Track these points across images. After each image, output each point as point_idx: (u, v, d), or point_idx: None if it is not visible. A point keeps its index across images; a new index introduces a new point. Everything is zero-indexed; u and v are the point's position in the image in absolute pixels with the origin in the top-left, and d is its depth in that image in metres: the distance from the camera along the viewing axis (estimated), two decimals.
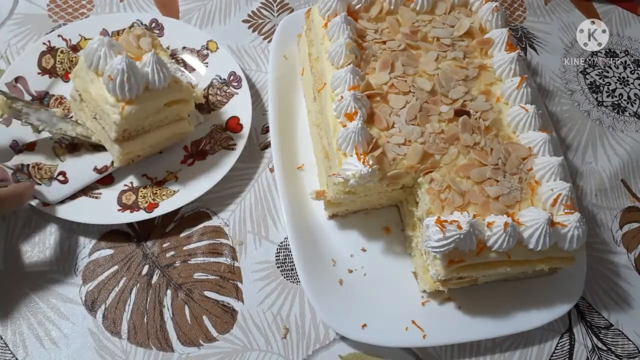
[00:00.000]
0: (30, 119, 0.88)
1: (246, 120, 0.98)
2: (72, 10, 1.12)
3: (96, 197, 0.88)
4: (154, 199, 0.89)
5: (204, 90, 1.02)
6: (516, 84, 0.86)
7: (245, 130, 0.97)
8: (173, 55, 1.05)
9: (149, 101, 0.80)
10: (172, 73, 0.83)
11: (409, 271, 0.90)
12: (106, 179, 0.91)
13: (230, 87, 1.02)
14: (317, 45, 0.93)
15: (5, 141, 0.89)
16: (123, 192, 0.90)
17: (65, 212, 0.85)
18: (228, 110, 1.00)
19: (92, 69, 0.78)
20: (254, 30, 1.16)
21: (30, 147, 0.91)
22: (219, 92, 1.02)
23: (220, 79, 1.03)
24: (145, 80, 0.78)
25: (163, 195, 0.90)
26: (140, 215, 0.86)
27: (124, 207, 0.88)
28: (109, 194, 0.89)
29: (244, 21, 1.17)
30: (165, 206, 0.88)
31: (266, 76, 1.07)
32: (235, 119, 0.98)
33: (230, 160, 0.93)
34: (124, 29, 1.05)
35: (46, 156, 0.90)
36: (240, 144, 0.95)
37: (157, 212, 0.87)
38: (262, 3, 1.20)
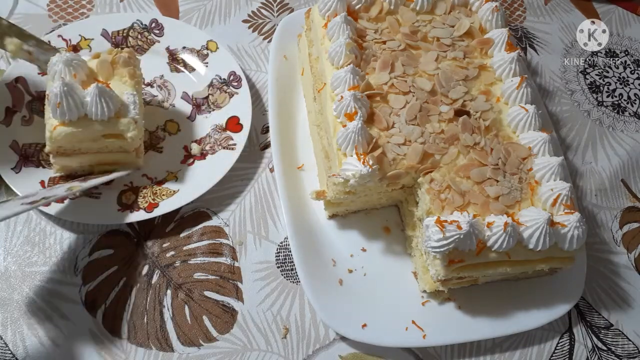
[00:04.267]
0: (40, 62, 0.88)
1: (246, 120, 0.97)
2: (72, 10, 1.12)
3: (96, 197, 0.88)
4: (154, 199, 0.89)
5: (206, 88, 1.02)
6: (516, 84, 0.86)
7: (245, 130, 0.97)
8: (173, 56, 1.05)
9: (83, 128, 0.80)
10: (131, 108, 0.82)
11: (409, 271, 0.90)
12: None
13: (230, 87, 1.02)
14: (317, 45, 0.93)
15: (5, 141, 0.89)
16: (123, 192, 0.90)
17: (65, 212, 0.85)
18: (228, 110, 0.99)
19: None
20: (254, 30, 1.16)
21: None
22: (219, 92, 1.02)
23: (220, 78, 1.02)
24: (84, 108, 0.79)
25: (163, 195, 0.90)
26: (140, 215, 0.87)
27: (124, 207, 0.88)
28: (109, 194, 0.89)
29: (244, 21, 1.17)
30: (165, 206, 0.88)
31: (266, 76, 1.07)
32: (235, 118, 0.98)
33: (230, 160, 0.93)
34: (125, 29, 1.05)
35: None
36: (240, 144, 0.95)
37: (157, 212, 0.87)
38: (262, 3, 1.20)
